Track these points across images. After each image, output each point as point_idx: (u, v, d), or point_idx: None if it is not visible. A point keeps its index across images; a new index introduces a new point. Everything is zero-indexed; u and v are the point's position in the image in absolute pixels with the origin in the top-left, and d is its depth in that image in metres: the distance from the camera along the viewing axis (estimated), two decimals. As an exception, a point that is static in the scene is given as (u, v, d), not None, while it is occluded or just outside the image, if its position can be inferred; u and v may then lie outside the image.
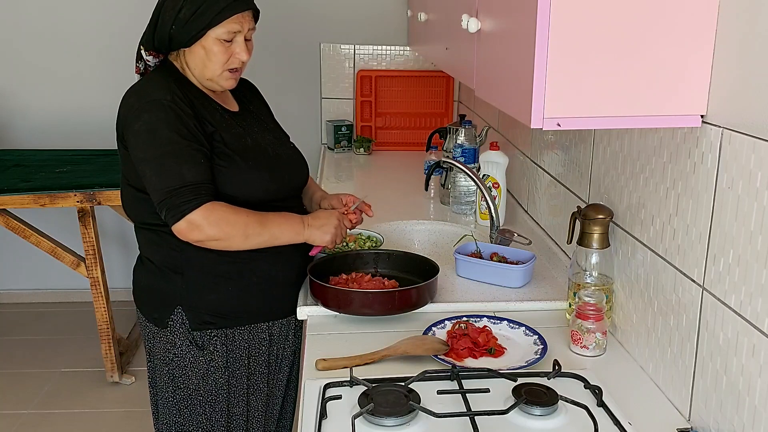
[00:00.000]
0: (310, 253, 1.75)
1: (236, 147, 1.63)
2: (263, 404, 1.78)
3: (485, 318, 1.60)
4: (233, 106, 1.75)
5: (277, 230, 1.61)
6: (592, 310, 1.47)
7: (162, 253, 1.66)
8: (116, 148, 1.68)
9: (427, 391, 1.27)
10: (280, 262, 1.70)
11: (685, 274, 1.26)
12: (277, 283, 1.72)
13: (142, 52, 1.68)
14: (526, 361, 1.43)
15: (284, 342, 1.79)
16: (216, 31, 1.59)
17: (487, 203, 2.03)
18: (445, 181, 2.54)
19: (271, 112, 1.91)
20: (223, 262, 1.63)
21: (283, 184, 1.72)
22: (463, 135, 2.52)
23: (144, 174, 1.55)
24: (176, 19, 1.58)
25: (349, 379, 1.31)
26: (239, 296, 1.67)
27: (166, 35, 1.60)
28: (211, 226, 1.52)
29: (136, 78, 1.71)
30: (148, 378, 1.78)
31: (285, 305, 1.75)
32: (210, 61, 1.61)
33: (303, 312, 1.68)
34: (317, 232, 1.66)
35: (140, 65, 1.70)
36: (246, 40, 1.65)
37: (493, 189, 2.23)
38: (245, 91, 1.84)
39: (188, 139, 1.55)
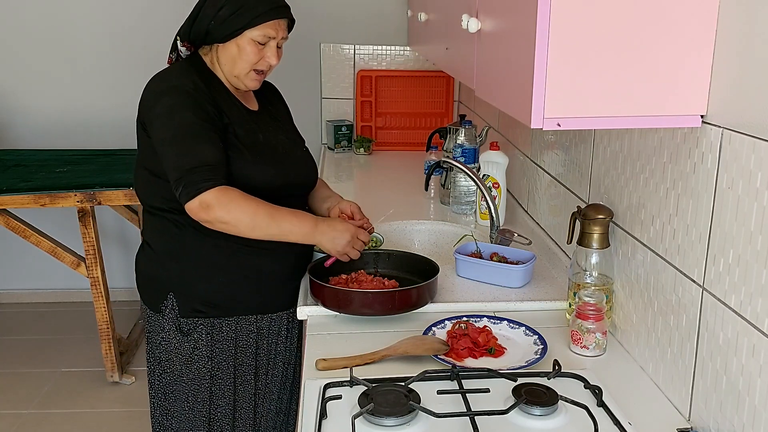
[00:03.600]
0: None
1: (247, 141, 1.67)
2: (251, 397, 1.78)
3: (485, 318, 1.60)
4: (253, 106, 1.81)
5: (287, 227, 1.63)
6: (592, 310, 1.47)
7: (162, 239, 1.71)
8: (116, 148, 1.70)
9: (427, 391, 1.27)
10: (274, 258, 1.72)
11: (685, 274, 1.26)
12: (268, 279, 1.74)
13: (178, 42, 1.74)
14: (526, 361, 1.43)
15: (275, 337, 1.80)
16: (252, 33, 1.66)
17: (487, 203, 2.03)
18: (445, 181, 2.54)
19: (290, 116, 1.97)
20: (219, 253, 1.67)
21: (286, 181, 1.74)
22: (463, 135, 2.52)
23: (164, 154, 1.59)
24: (216, 16, 1.65)
25: (349, 379, 1.31)
26: (230, 287, 1.71)
27: (203, 29, 1.67)
28: (221, 208, 1.54)
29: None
30: (146, 361, 1.83)
31: (276, 301, 1.76)
32: (240, 60, 1.68)
33: (303, 312, 1.68)
34: (327, 241, 1.68)
35: (173, 56, 1.77)
36: (278, 46, 1.72)
37: (493, 189, 2.23)
38: (267, 93, 1.90)
39: (207, 122, 1.60)
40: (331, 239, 1.68)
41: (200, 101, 1.61)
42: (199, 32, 1.69)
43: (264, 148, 1.71)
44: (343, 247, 1.69)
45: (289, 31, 1.76)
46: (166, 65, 1.77)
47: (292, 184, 1.77)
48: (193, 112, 1.59)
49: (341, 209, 1.86)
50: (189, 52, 1.76)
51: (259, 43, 1.68)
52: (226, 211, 1.55)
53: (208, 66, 1.74)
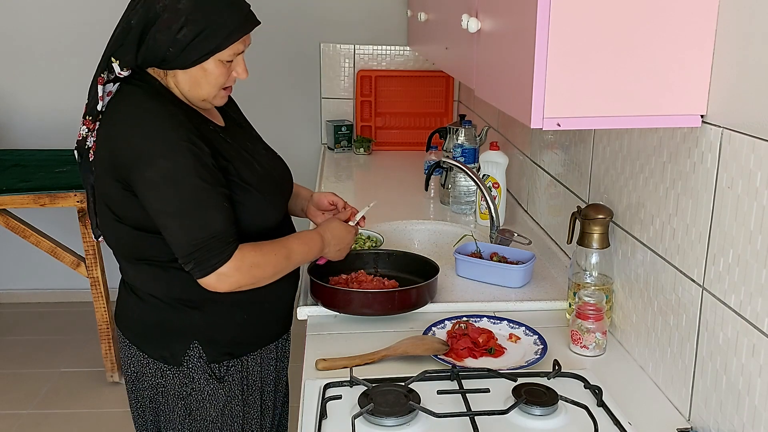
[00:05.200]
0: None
1: (250, 179, 1.53)
2: (270, 416, 1.75)
3: (485, 318, 1.60)
4: (219, 119, 1.64)
5: (301, 259, 1.59)
6: (592, 310, 1.47)
7: (174, 289, 1.54)
8: None
9: (427, 391, 1.27)
10: (289, 281, 1.64)
11: (684, 274, 1.26)
12: (285, 302, 1.68)
13: (115, 65, 1.47)
14: (526, 361, 1.43)
15: (284, 354, 1.77)
16: (221, 54, 1.45)
17: (487, 203, 2.03)
18: (445, 181, 2.54)
19: (241, 111, 1.78)
20: (241, 292, 1.53)
21: (287, 200, 1.70)
22: (463, 135, 2.52)
23: (165, 226, 1.42)
24: (175, 41, 1.40)
25: (349, 379, 1.31)
26: (255, 323, 1.62)
27: (158, 56, 1.43)
28: (243, 275, 1.45)
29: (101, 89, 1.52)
30: (151, 413, 1.65)
31: (288, 320, 1.72)
32: (207, 83, 1.48)
33: (303, 312, 1.68)
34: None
35: (104, 76, 1.51)
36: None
37: (493, 189, 2.23)
38: None
39: (211, 184, 1.42)
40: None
41: (200, 157, 1.40)
42: (152, 59, 1.43)
43: (267, 181, 1.58)
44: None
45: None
46: (98, 85, 1.50)
47: (287, 201, 1.72)
48: (195, 175, 1.39)
49: (317, 205, 1.81)
50: (128, 73, 1.49)
51: (227, 61, 1.47)
52: (249, 276, 1.46)
53: (165, 86, 1.50)
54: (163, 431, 1.66)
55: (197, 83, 1.48)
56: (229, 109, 1.69)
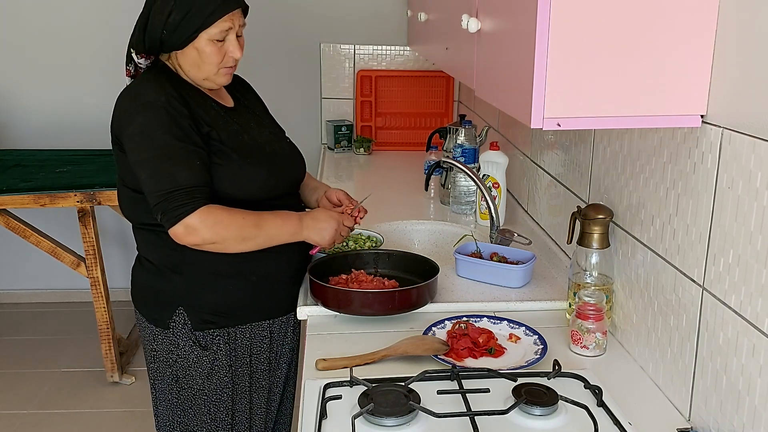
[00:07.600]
0: (310, 252, 1.75)
1: (233, 144, 1.62)
2: (265, 401, 1.78)
3: (485, 318, 1.60)
4: (228, 102, 1.75)
5: (274, 231, 1.61)
6: (592, 310, 1.47)
7: (161, 253, 1.66)
8: None
9: (427, 391, 1.27)
10: (280, 261, 1.70)
11: (685, 274, 1.26)
12: (277, 282, 1.72)
13: (133, 54, 1.65)
14: (526, 361, 1.43)
15: (283, 339, 1.80)
16: (208, 33, 1.57)
17: (487, 203, 2.03)
18: (445, 181, 2.54)
19: (266, 107, 1.90)
20: (224, 262, 1.63)
21: (280, 181, 1.72)
22: (463, 135, 2.52)
23: (140, 176, 1.54)
24: (166, 24, 1.56)
25: (349, 379, 1.31)
26: (240, 295, 1.68)
27: (156, 39, 1.59)
28: (207, 230, 1.51)
29: (129, 80, 1.69)
30: (150, 379, 1.77)
31: (284, 303, 1.75)
32: (204, 62, 1.61)
33: (303, 312, 1.68)
34: (315, 234, 1.67)
35: (130, 68, 1.68)
36: (237, 36, 1.64)
37: (493, 189, 2.23)
38: (238, 86, 1.83)
39: (183, 141, 1.53)
40: (319, 231, 1.67)
41: (175, 117, 1.54)
42: (153, 42, 1.60)
43: (251, 149, 1.66)
44: (331, 237, 1.68)
45: (245, 15, 1.66)
46: (125, 77, 1.69)
47: (286, 181, 1.76)
48: (167, 131, 1.52)
49: (328, 198, 1.86)
50: (148, 62, 1.66)
51: (217, 40, 1.59)
52: (213, 232, 1.51)
53: (174, 71, 1.66)
54: (161, 397, 1.74)
55: (196, 64, 1.62)
56: (245, 99, 1.82)
